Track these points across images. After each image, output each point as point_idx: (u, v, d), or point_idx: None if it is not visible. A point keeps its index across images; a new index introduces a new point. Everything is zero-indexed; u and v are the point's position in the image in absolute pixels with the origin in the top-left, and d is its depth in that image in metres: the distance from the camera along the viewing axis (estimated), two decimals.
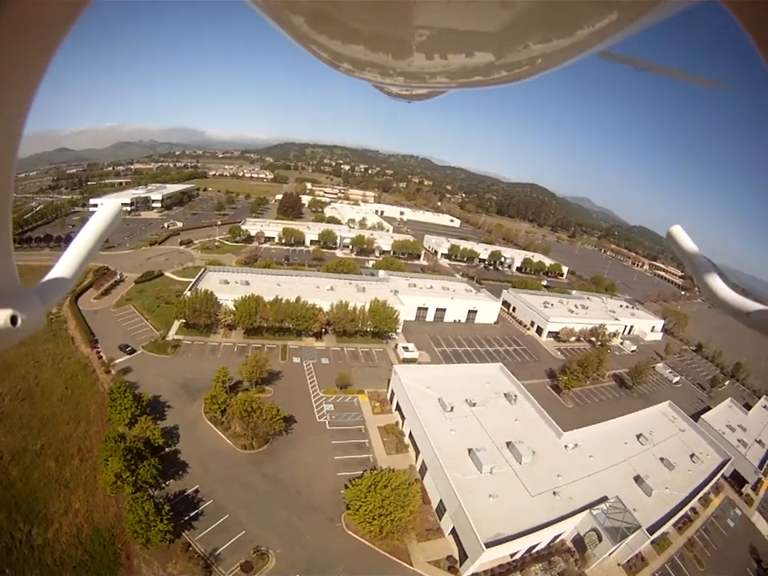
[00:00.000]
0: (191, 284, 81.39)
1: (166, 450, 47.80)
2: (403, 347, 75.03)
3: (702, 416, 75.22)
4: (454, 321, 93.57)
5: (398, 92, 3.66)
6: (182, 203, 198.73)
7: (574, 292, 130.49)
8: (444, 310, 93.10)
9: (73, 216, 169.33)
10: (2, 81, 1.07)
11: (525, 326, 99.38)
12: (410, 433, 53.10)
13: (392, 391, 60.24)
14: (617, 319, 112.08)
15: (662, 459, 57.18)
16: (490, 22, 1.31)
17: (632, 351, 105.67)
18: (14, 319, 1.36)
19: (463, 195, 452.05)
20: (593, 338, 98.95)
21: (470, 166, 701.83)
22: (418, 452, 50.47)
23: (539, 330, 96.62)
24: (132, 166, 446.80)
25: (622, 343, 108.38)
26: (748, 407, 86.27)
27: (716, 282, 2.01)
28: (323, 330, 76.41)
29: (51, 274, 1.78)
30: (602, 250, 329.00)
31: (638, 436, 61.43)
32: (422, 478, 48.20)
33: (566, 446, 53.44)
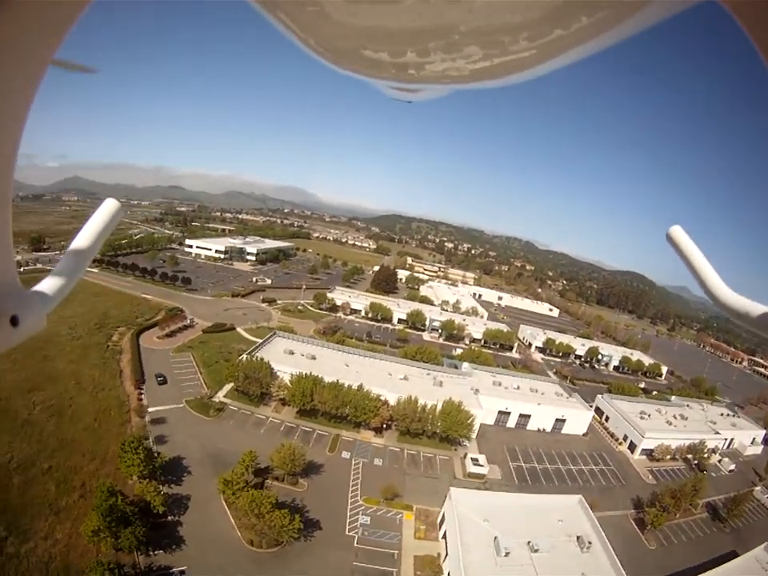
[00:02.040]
0: (254, 346, 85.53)
1: (169, 518, 48.41)
2: (472, 459, 70.90)
3: None
4: (538, 429, 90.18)
5: (397, 91, 3.71)
6: (277, 260, 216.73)
7: (673, 398, 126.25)
8: (528, 416, 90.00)
9: (166, 251, 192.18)
10: (2, 81, 1.16)
11: (617, 439, 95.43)
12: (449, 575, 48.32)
13: (443, 515, 56.21)
14: (717, 432, 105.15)
15: None
16: (490, 18, 1.41)
17: (729, 471, 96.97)
18: (14, 320, 1.46)
19: (564, 282, 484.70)
20: (689, 455, 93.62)
21: (572, 252, 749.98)
22: None
23: (632, 447, 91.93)
24: (240, 215, 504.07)
25: (719, 461, 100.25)
26: None
27: (717, 283, 2.18)
28: (384, 426, 74.92)
29: (51, 275, 1.90)
30: (701, 345, 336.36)
31: None
32: None
33: None
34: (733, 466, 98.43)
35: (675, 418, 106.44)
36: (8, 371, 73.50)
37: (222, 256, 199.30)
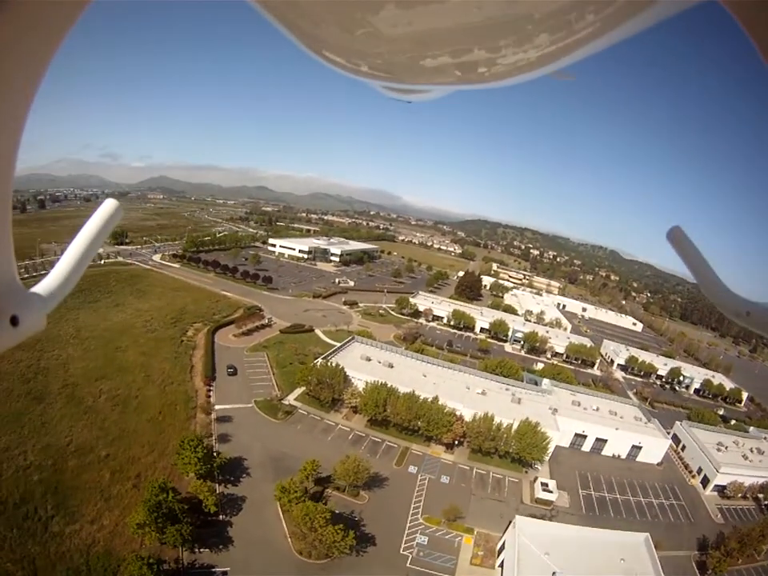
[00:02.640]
0: (331, 351, 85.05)
1: (220, 517, 48.54)
2: (542, 484, 68.51)
3: None
4: (613, 455, 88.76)
5: (397, 90, 3.75)
6: (362, 262, 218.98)
7: (751, 429, 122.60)
8: (605, 441, 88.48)
9: (249, 250, 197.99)
10: (2, 81, 1.18)
11: (690, 471, 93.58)
12: None
13: (504, 543, 54.59)
14: None
15: None
16: (489, 18, 1.47)
17: None
18: (14, 320, 1.48)
19: (648, 294, 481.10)
20: (760, 495, 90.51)
21: (658, 263, 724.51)
22: None
23: (705, 481, 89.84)
24: (325, 217, 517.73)
25: None
26: None
27: (716, 283, 2.26)
28: (456, 442, 73.07)
29: (52, 274, 1.90)
30: None
31: None
32: None
33: None
34: None
35: (752, 451, 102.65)
36: (79, 359, 77.53)
37: (306, 256, 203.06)
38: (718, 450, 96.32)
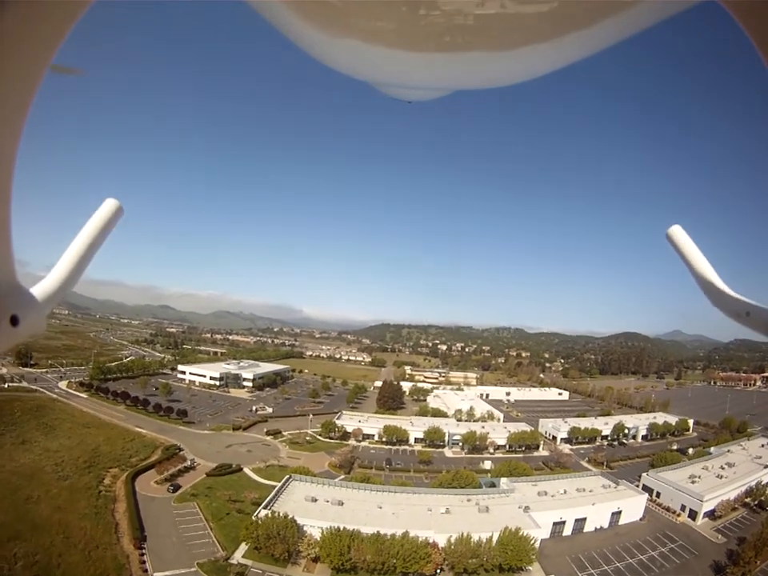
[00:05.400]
0: (270, 496, 77.78)
1: None
2: None
3: None
4: (595, 529, 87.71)
5: (397, 91, 3.94)
6: (275, 385, 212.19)
7: (712, 450, 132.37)
8: (584, 519, 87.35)
9: (159, 377, 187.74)
10: (1, 81, 1.20)
11: (674, 512, 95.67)
12: None
13: None
14: (766, 466, 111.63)
15: None
16: (492, 20, 1.52)
17: None
18: (14, 320, 1.50)
19: (562, 361, 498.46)
20: (747, 500, 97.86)
21: (562, 329, 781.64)
22: None
23: (693, 515, 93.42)
24: (230, 336, 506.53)
25: None
26: None
27: (716, 282, 2.33)
28: (437, 570, 68.30)
29: (52, 275, 1.95)
30: (711, 382, 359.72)
31: None
32: None
33: None
34: None
35: (723, 468, 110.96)
36: None
37: (218, 383, 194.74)
38: (693, 482, 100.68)
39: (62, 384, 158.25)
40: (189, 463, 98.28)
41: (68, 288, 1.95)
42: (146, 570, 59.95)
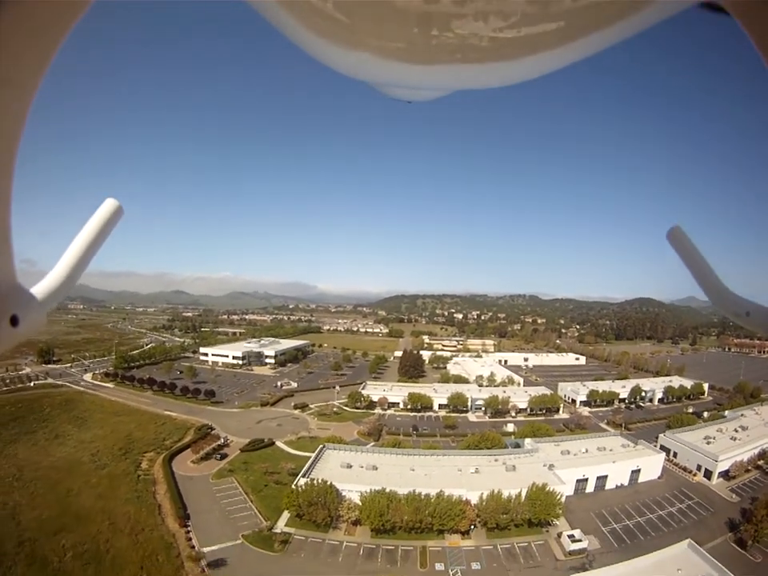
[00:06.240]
0: (307, 466, 79.30)
1: None
2: (569, 536, 67.55)
3: None
4: (616, 486, 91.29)
5: (397, 91, 3.92)
6: (297, 360, 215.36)
7: (727, 413, 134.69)
8: (605, 476, 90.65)
9: (182, 361, 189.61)
10: (2, 81, 1.21)
11: (690, 472, 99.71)
12: None
13: None
14: None
15: None
16: (491, 22, 1.51)
17: None
18: (14, 320, 1.50)
19: (578, 327, 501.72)
20: (760, 462, 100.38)
21: (577, 295, 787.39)
22: None
23: (708, 474, 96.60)
24: (247, 316, 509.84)
25: None
26: None
27: (716, 282, 2.37)
28: (471, 526, 70.22)
29: (52, 274, 1.94)
30: (726, 348, 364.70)
31: None
32: None
33: None
34: None
35: (737, 431, 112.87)
36: (29, 507, 68.93)
37: (240, 362, 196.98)
38: (708, 443, 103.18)
39: (87, 376, 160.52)
40: (222, 441, 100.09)
41: (68, 288, 1.95)
42: (193, 547, 61.35)
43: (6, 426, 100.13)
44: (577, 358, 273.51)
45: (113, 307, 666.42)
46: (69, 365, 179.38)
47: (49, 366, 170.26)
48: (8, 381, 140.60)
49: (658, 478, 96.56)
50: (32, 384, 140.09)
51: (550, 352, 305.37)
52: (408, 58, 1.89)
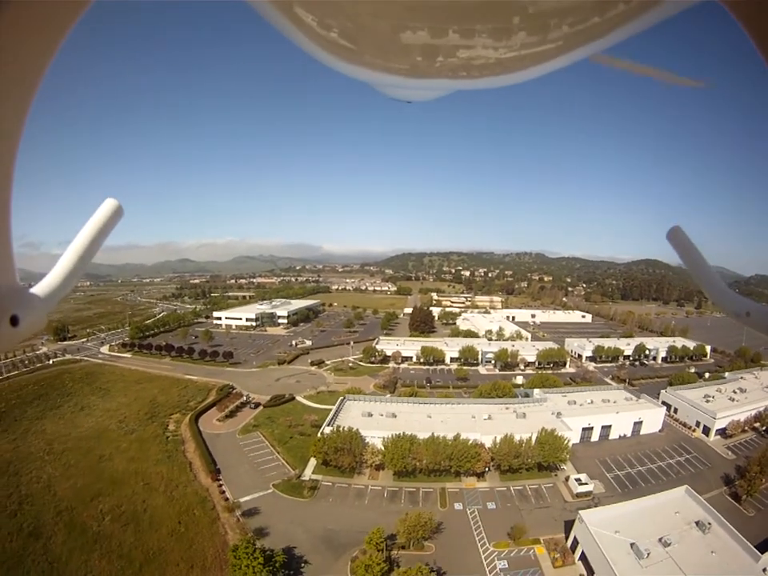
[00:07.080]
0: (330, 416, 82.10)
1: None
2: (576, 479, 71.98)
3: None
4: (620, 436, 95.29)
5: (398, 92, 3.98)
6: (309, 319, 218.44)
7: (727, 375, 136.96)
8: (609, 426, 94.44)
9: (196, 327, 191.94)
10: (2, 81, 1.22)
11: (689, 427, 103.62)
12: None
13: (575, 539, 57.67)
14: None
15: None
16: (488, 21, 1.55)
17: None
18: (14, 320, 1.52)
19: (584, 285, 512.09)
20: (756, 424, 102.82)
21: (584, 254, 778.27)
22: None
23: (706, 431, 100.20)
24: (254, 280, 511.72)
25: None
26: None
27: (716, 282, 2.39)
28: (486, 469, 73.99)
29: (52, 274, 1.93)
30: None
31: None
32: None
33: (765, 570, 50.45)
34: None
35: (735, 392, 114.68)
36: (62, 478, 70.79)
37: (254, 323, 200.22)
38: (707, 401, 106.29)
39: (104, 349, 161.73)
40: (245, 398, 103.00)
41: (68, 287, 1.95)
42: (227, 499, 64.10)
43: (31, 405, 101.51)
44: (583, 316, 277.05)
45: (119, 281, 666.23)
46: (84, 339, 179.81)
47: (65, 342, 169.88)
48: (26, 362, 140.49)
49: (659, 431, 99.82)
50: (51, 362, 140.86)
51: (557, 309, 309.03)
52: (411, 75, 2.04)
